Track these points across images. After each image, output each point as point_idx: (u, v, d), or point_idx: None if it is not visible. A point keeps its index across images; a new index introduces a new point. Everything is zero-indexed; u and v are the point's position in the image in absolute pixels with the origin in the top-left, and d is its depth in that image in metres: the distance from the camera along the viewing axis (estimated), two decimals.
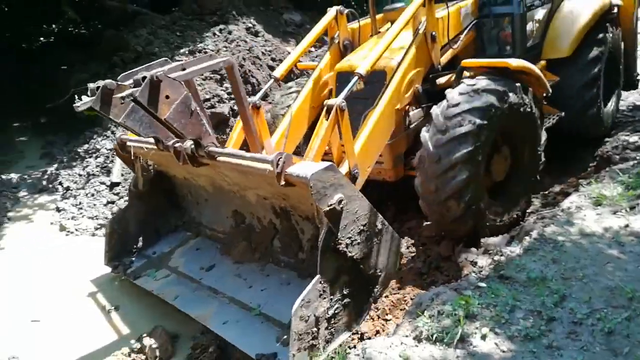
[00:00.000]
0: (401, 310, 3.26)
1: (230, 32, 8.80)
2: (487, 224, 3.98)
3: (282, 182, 2.82)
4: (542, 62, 5.33)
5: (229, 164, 3.19)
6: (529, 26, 5.12)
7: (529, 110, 4.11)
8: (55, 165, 8.20)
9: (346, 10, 5.05)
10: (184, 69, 3.29)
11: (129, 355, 3.58)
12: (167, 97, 2.99)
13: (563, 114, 5.18)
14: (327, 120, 3.52)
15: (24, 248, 5.56)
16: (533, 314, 2.69)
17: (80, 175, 7.29)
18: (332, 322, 2.87)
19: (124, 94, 2.96)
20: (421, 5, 4.21)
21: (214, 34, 8.85)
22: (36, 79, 11.32)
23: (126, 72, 3.48)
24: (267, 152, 4.36)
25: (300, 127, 4.70)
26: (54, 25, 13.01)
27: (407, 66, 4.15)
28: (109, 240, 4.51)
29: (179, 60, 7.96)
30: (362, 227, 2.96)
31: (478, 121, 3.64)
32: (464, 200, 3.69)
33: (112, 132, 7.74)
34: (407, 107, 4.37)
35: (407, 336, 2.76)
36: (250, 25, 9.40)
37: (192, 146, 3.32)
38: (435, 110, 3.79)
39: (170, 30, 9.57)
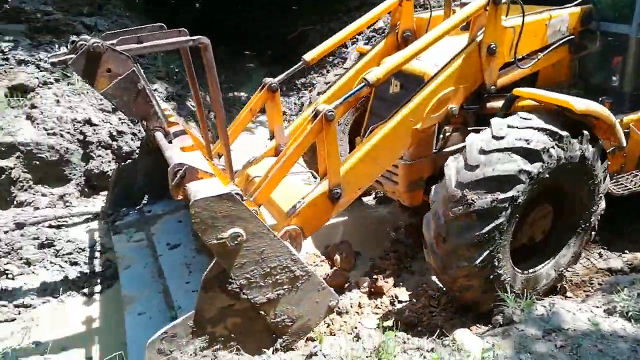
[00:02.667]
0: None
1: None
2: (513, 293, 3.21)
3: (179, 197, 2.46)
4: None
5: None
6: None
7: (584, 163, 3.16)
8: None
9: None
10: (140, 42, 2.97)
11: (319, 256, 4.16)
12: (108, 70, 2.74)
13: None
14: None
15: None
16: None
17: (295, 104, 8.24)
18: None
19: (56, 59, 2.76)
20: (483, 8, 3.32)
21: None
22: (269, 16, 12.38)
23: (115, 31, 3.28)
24: (277, 141, 3.98)
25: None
26: None
27: (442, 81, 3.35)
28: (112, 188, 4.55)
29: None
30: (268, 270, 2.48)
31: (500, 195, 2.85)
32: (478, 283, 3.06)
33: (327, 71, 8.38)
34: (434, 128, 3.61)
35: (597, 307, 2.81)
36: None
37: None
38: (450, 168, 3.03)
39: None
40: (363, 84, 3.11)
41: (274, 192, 3.39)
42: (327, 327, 3.44)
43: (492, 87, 3.52)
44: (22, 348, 3.23)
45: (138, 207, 4.55)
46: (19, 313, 3.61)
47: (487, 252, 2.94)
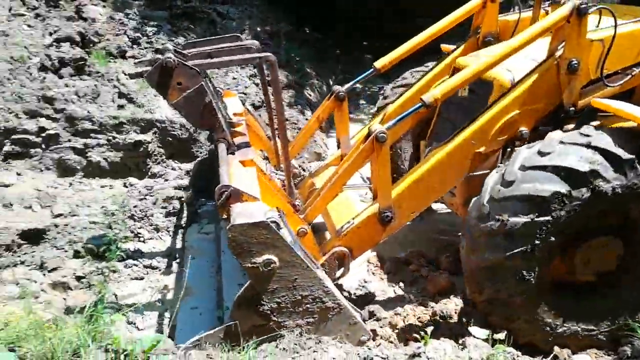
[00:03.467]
0: None
1: None
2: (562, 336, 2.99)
3: (224, 216, 2.59)
4: None
5: None
6: None
7: None
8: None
9: None
10: (210, 57, 3.11)
11: (424, 256, 4.09)
12: (179, 83, 2.96)
13: None
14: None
15: None
16: None
17: None
18: None
19: (133, 71, 3.00)
20: (565, 19, 2.99)
21: None
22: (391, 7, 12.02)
23: (194, 41, 3.48)
24: (342, 150, 3.98)
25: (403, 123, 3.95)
26: None
27: (513, 100, 3.10)
28: (193, 176, 4.88)
29: None
30: (299, 298, 2.55)
31: (528, 217, 2.64)
32: (507, 314, 2.88)
33: None
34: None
35: None
36: None
37: None
38: (489, 180, 2.88)
39: None
40: (419, 104, 2.99)
41: (331, 205, 3.43)
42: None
43: (572, 109, 3.19)
44: (149, 304, 3.54)
45: None
46: (147, 273, 3.96)
47: (509, 281, 2.75)
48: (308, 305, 2.56)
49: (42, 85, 5.49)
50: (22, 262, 3.87)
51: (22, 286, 3.51)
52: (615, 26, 3.03)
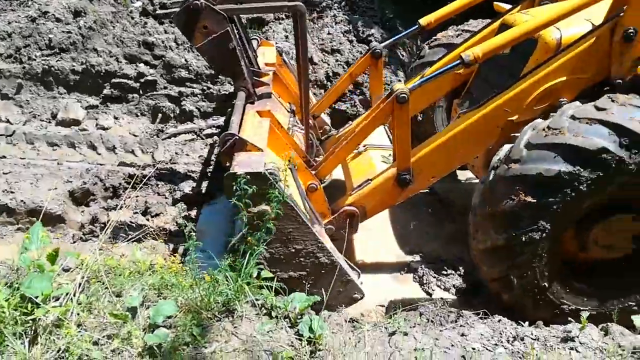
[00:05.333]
0: None
1: None
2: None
3: (227, 164, 2.57)
4: None
5: None
6: None
7: None
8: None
9: None
10: (240, 2, 3.02)
11: None
12: (205, 27, 2.92)
13: None
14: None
15: None
16: None
17: None
18: None
19: (162, 11, 2.98)
20: None
21: None
22: None
23: None
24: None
25: (441, 84, 3.66)
26: None
27: (556, 67, 2.80)
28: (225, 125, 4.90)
29: None
30: (293, 251, 2.52)
31: (531, 199, 2.43)
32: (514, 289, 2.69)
33: None
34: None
35: None
36: None
37: None
38: (495, 159, 2.67)
39: None
40: (457, 62, 2.76)
41: (353, 164, 3.32)
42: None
43: (619, 81, 2.84)
44: None
45: None
46: None
47: (515, 261, 2.57)
48: (301, 259, 2.54)
49: (143, 30, 5.50)
50: (128, 206, 3.99)
51: (126, 231, 3.64)
52: None
